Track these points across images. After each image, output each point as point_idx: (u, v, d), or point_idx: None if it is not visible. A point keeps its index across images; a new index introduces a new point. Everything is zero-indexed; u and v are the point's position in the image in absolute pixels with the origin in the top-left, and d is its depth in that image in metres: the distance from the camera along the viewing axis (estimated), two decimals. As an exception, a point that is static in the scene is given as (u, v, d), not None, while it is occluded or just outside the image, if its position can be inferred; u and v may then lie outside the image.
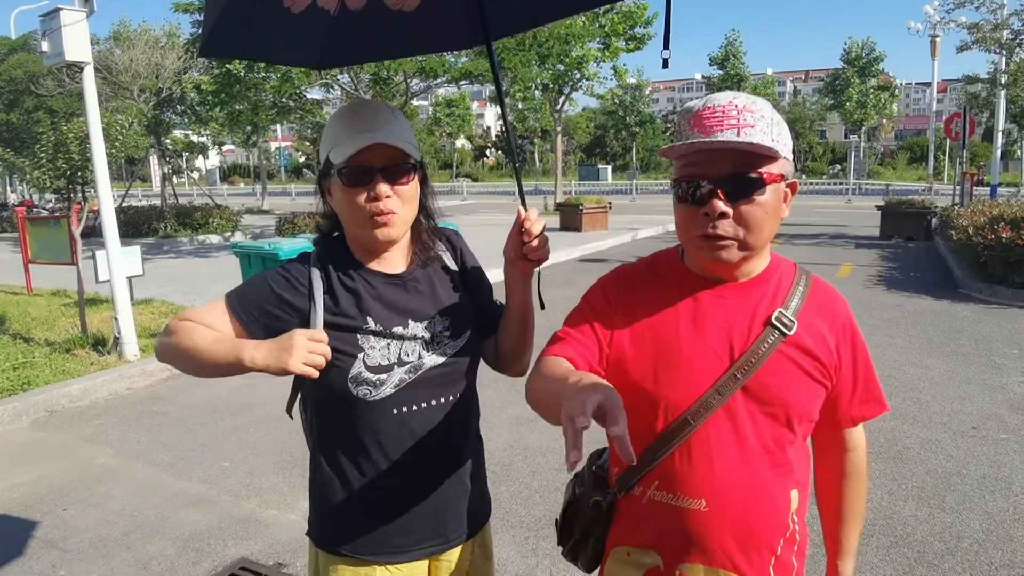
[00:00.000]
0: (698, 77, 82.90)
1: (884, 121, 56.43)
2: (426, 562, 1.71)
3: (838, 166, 55.60)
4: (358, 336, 1.59)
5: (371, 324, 1.60)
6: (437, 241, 1.76)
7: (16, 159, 12.79)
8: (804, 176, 50.63)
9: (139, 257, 7.71)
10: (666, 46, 1.80)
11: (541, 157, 63.36)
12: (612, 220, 20.19)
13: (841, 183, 40.62)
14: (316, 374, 1.45)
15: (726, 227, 1.33)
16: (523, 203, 1.77)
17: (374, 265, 1.65)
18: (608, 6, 17.64)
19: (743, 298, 1.42)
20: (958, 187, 18.32)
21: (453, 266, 1.76)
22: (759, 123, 1.30)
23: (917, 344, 7.34)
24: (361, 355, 1.58)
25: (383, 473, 1.62)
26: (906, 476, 4.37)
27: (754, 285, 1.43)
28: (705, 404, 1.37)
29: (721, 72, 48.30)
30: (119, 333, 7.13)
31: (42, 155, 7.29)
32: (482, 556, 1.82)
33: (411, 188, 1.59)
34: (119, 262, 7.17)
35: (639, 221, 21.50)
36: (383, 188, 1.53)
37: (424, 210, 1.71)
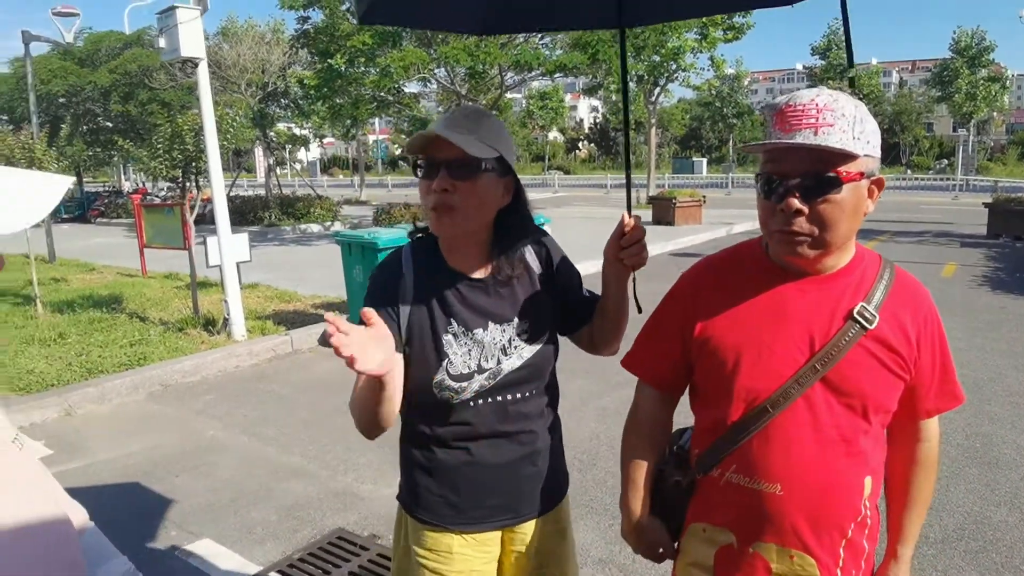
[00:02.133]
0: (799, 67, 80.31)
1: (995, 114, 53.40)
2: (499, 533, 1.84)
3: (945, 161, 52.88)
4: (443, 338, 1.69)
5: (455, 326, 1.70)
6: (522, 245, 1.80)
7: (134, 149, 13.56)
8: (909, 171, 48.47)
9: (247, 244, 8.10)
10: (850, 64, 1.89)
11: (634, 149, 62.73)
12: (706, 214, 19.86)
13: (948, 179, 38.68)
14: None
15: (802, 224, 1.37)
16: (628, 209, 1.85)
17: (458, 265, 1.74)
18: None
19: (825, 291, 1.46)
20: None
21: (537, 267, 1.83)
22: (838, 122, 1.32)
23: (1020, 348, 7.02)
24: (445, 362, 1.68)
25: (462, 453, 1.75)
26: (999, 481, 4.24)
27: (837, 278, 1.47)
28: (784, 393, 1.43)
29: (823, 62, 46.70)
30: (228, 314, 7.56)
31: (159, 146, 7.74)
32: (555, 532, 1.91)
33: (477, 186, 1.63)
34: (230, 248, 7.59)
35: (734, 215, 21.06)
36: (444, 181, 1.61)
37: (516, 214, 1.76)
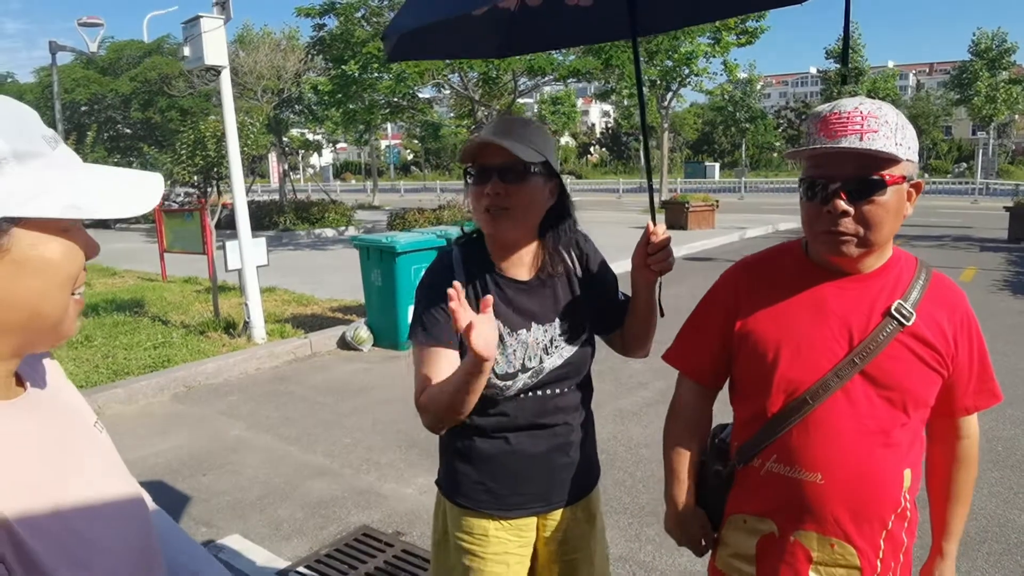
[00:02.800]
0: (813, 71, 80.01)
1: (1016, 117, 52.96)
2: (534, 519, 1.92)
3: (964, 164, 52.55)
4: None
5: (501, 327, 1.77)
6: (566, 248, 1.90)
7: (159, 155, 13.74)
8: (927, 175, 48.19)
9: (265, 248, 8.19)
10: (844, 64, 1.93)
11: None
12: (719, 218, 19.86)
13: (967, 182, 38.45)
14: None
15: (848, 225, 1.43)
16: (653, 218, 1.94)
17: (505, 267, 1.83)
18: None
19: (863, 290, 1.52)
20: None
21: (578, 270, 1.92)
22: (882, 128, 1.40)
23: (1043, 351, 7.01)
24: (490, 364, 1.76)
25: (501, 443, 1.84)
26: (1022, 484, 4.25)
27: (874, 277, 1.53)
28: (824, 385, 1.48)
29: (838, 65, 46.53)
30: (249, 318, 7.64)
31: (182, 152, 7.86)
32: (585, 519, 1.99)
33: (526, 188, 1.73)
34: (250, 252, 7.68)
35: (747, 220, 21.06)
36: (496, 185, 1.71)
37: (561, 216, 1.86)
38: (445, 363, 1.74)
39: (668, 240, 1.82)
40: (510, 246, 1.82)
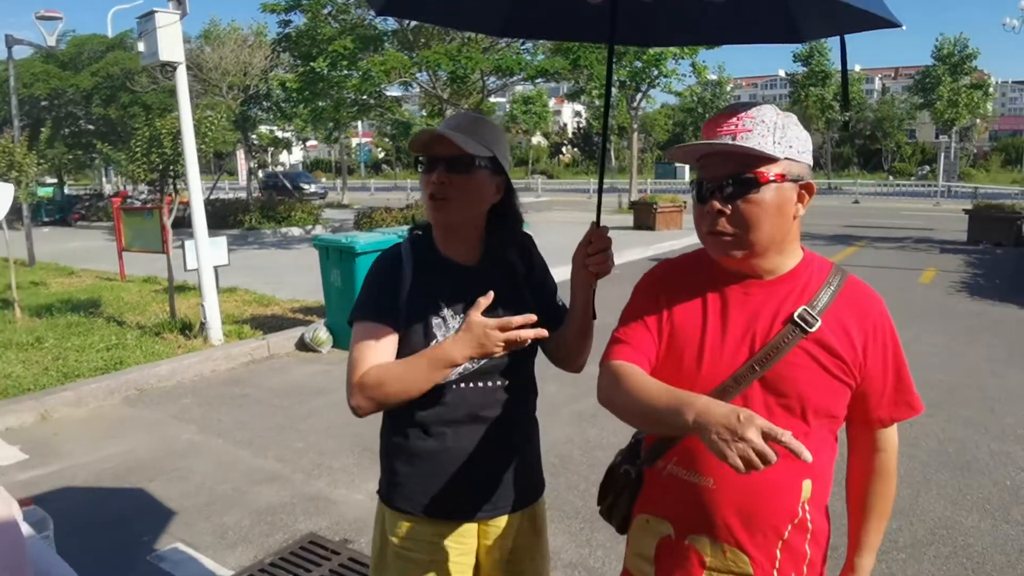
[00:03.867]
0: (782, 74, 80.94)
1: (978, 121, 53.97)
2: (475, 525, 1.88)
3: (927, 167, 53.44)
4: (432, 321, 1.78)
5: (443, 310, 1.79)
6: (509, 241, 1.93)
7: (113, 153, 13.49)
8: (891, 177, 48.92)
9: (225, 247, 8.07)
10: (845, 108, 1.91)
11: (617, 154, 62.95)
12: (687, 219, 19.95)
13: (930, 185, 39.12)
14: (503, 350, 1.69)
15: (724, 224, 1.43)
16: (598, 219, 1.94)
17: (450, 253, 1.86)
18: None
19: (769, 295, 1.50)
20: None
21: (521, 266, 1.94)
22: (757, 127, 1.40)
23: (997, 353, 7.11)
24: (433, 343, 1.77)
25: (440, 442, 1.81)
26: (972, 487, 4.29)
27: (780, 283, 1.51)
28: (723, 391, 1.45)
29: (806, 69, 47.09)
30: (205, 318, 7.52)
31: (137, 149, 7.70)
32: (531, 529, 1.96)
33: (470, 180, 1.77)
34: (207, 252, 7.55)
35: (714, 221, 21.16)
36: (441, 175, 1.75)
37: (506, 213, 1.89)
38: (390, 342, 1.77)
39: (609, 242, 1.84)
40: (453, 233, 1.85)
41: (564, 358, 1.98)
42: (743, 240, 1.44)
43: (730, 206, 1.42)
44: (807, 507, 1.51)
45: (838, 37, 1.99)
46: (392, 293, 1.80)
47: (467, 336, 1.66)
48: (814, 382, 1.46)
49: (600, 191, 2.21)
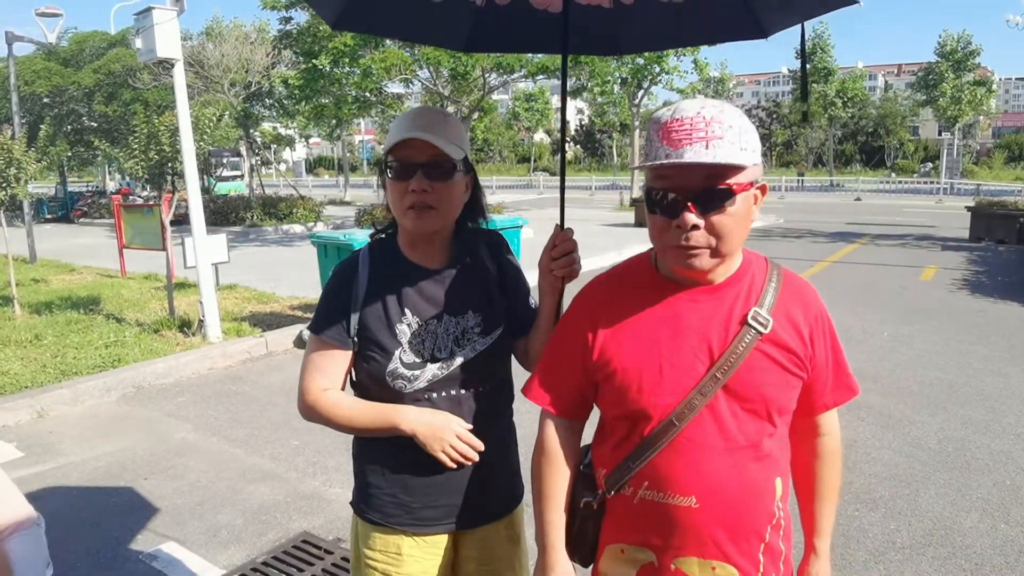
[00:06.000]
0: (784, 70, 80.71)
1: (981, 118, 53.78)
2: (450, 536, 1.83)
3: (930, 164, 53.25)
4: (396, 327, 1.72)
5: (408, 316, 1.73)
6: (479, 241, 1.86)
7: (112, 150, 13.48)
8: (893, 174, 48.82)
9: (225, 245, 8.06)
10: (804, 98, 1.89)
11: (619, 152, 62.84)
12: (688, 217, 19.90)
13: (932, 182, 39.01)
14: (452, 464, 1.72)
15: (699, 238, 1.35)
16: (562, 222, 1.90)
17: (416, 259, 1.78)
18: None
19: (719, 301, 1.46)
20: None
21: (491, 266, 1.86)
22: (727, 134, 1.31)
23: (998, 352, 7.07)
24: (398, 351, 1.72)
25: (412, 452, 1.73)
26: (971, 487, 4.25)
27: (728, 286, 1.47)
28: (688, 405, 1.42)
29: (808, 66, 46.95)
30: (203, 316, 7.51)
31: (136, 146, 7.68)
32: (508, 539, 1.91)
33: (451, 186, 1.70)
34: (205, 249, 7.54)
35: (716, 218, 21.06)
36: (422, 182, 1.66)
37: (473, 210, 1.84)
38: (338, 363, 1.76)
39: (573, 246, 1.80)
40: (422, 239, 1.78)
41: (533, 362, 1.88)
42: (716, 251, 1.38)
43: (704, 219, 1.34)
44: (780, 505, 1.50)
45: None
46: (344, 308, 1.74)
47: (433, 421, 1.69)
48: (775, 383, 1.44)
49: (562, 194, 2.17)
